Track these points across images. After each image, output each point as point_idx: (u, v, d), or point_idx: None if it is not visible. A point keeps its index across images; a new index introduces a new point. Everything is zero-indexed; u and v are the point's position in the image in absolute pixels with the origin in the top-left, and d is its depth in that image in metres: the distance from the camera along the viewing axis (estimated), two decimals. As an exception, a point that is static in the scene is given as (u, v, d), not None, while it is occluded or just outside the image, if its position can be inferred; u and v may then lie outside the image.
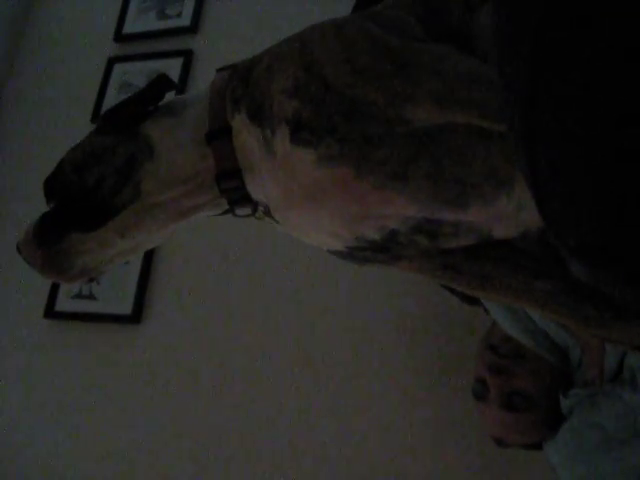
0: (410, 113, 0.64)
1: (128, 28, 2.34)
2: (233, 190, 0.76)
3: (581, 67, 0.38)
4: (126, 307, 1.91)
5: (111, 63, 2.29)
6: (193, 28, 2.22)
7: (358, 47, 0.67)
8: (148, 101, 0.78)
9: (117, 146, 0.76)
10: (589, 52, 0.37)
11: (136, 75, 2.23)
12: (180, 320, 1.86)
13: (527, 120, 0.42)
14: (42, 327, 2.02)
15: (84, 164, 0.76)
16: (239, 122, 0.73)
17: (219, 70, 0.80)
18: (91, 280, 0.82)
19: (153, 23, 2.31)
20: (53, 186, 0.78)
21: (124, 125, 0.77)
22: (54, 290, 2.02)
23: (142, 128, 0.77)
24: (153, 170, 0.75)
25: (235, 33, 2.16)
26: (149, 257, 1.95)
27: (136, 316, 1.89)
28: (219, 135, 0.74)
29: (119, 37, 2.34)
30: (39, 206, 2.20)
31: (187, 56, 2.17)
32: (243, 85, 0.73)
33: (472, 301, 1.27)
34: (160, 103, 0.81)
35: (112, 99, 2.23)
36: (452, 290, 1.20)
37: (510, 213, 0.69)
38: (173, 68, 2.17)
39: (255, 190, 0.76)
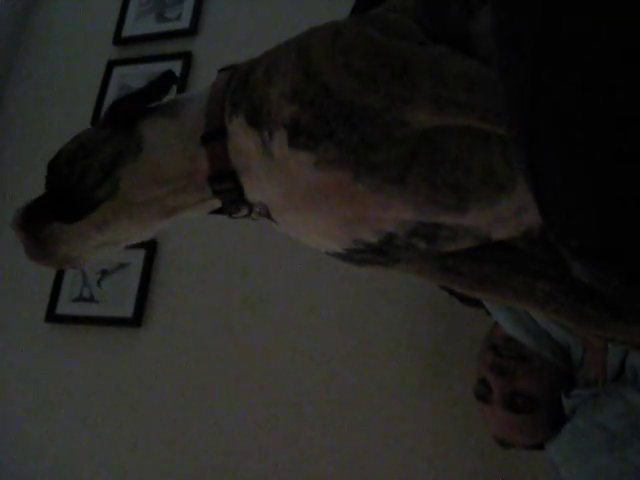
0: (409, 116, 0.64)
1: (127, 31, 2.35)
2: (227, 191, 0.76)
3: (580, 69, 0.38)
4: (127, 310, 1.91)
5: (110, 66, 2.29)
6: (192, 31, 2.22)
7: (356, 51, 0.67)
8: (153, 96, 0.79)
9: (107, 142, 0.77)
10: (588, 54, 0.37)
11: (136, 78, 2.23)
12: (181, 323, 1.86)
13: (527, 123, 0.42)
14: (43, 330, 2.02)
15: (75, 156, 0.78)
16: (237, 125, 0.73)
17: (221, 71, 0.80)
18: (74, 268, 0.84)
19: (152, 26, 2.31)
20: (48, 173, 0.80)
21: (123, 121, 0.78)
22: (55, 293, 2.02)
23: (139, 126, 0.78)
24: (135, 169, 0.75)
25: (234, 35, 2.16)
26: (150, 260, 1.95)
27: (137, 319, 1.89)
28: (215, 137, 0.74)
29: (118, 40, 2.34)
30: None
31: (186, 59, 2.17)
32: (242, 88, 0.73)
33: (472, 302, 1.27)
34: (163, 100, 0.81)
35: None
36: (451, 291, 1.20)
37: (509, 215, 0.69)
38: (173, 71, 2.17)
39: (252, 192, 0.76)
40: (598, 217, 0.40)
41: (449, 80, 0.64)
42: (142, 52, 2.28)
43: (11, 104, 2.45)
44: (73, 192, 0.76)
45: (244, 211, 0.80)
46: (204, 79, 2.12)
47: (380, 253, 0.76)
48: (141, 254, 1.96)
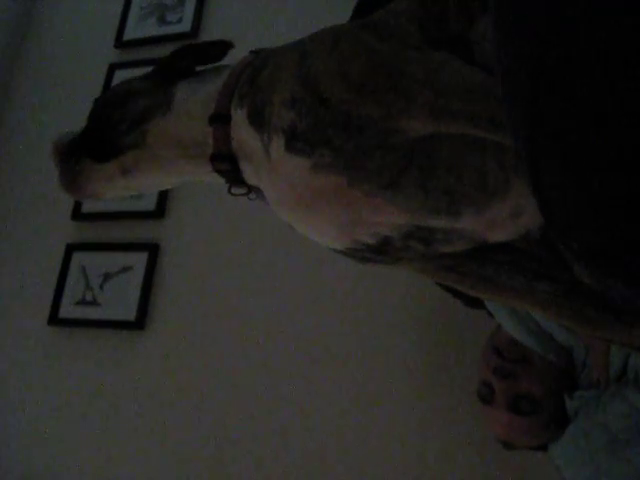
0: (405, 125, 0.65)
1: (129, 34, 2.35)
2: (226, 172, 0.81)
3: (581, 82, 0.39)
4: (130, 313, 1.91)
5: (112, 69, 2.30)
6: (193, 34, 2.23)
7: (354, 62, 0.68)
8: (205, 59, 0.87)
9: (145, 95, 0.83)
10: (589, 68, 0.38)
11: (137, 81, 2.24)
12: (184, 326, 1.86)
13: (530, 133, 0.43)
14: (46, 334, 2.02)
15: (115, 102, 0.84)
16: (239, 118, 0.77)
17: (251, 52, 0.86)
18: (95, 198, 0.91)
19: (154, 29, 2.32)
20: (91, 110, 0.86)
21: (171, 76, 0.85)
22: (58, 297, 2.03)
23: (175, 87, 0.84)
24: (161, 126, 0.81)
25: (235, 38, 2.16)
26: (152, 263, 1.95)
27: (140, 322, 1.89)
28: (220, 120, 0.78)
29: (120, 43, 2.35)
30: (44, 212, 2.20)
31: (188, 62, 2.18)
32: (250, 83, 0.77)
33: (474, 304, 1.27)
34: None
35: (113, 105, 2.24)
36: (455, 293, 1.20)
37: (504, 219, 0.70)
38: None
39: (251, 177, 0.80)
40: (599, 219, 0.41)
41: (445, 89, 0.65)
42: (143, 55, 2.28)
43: (13, 107, 2.46)
44: (105, 134, 0.82)
45: (243, 190, 0.84)
46: (205, 82, 2.12)
47: (380, 253, 0.78)
48: (144, 257, 1.96)
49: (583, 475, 1.02)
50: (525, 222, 0.70)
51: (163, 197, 2.03)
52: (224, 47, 0.88)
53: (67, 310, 2.01)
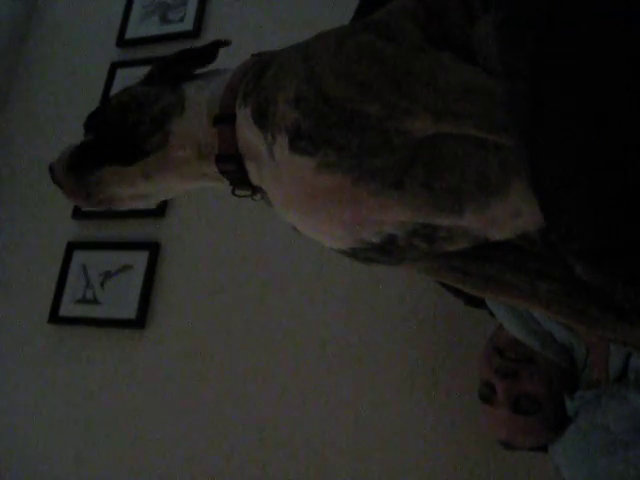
0: (409, 125, 0.66)
1: (131, 33, 2.35)
2: (232, 172, 0.81)
3: (581, 83, 0.39)
4: (130, 312, 1.91)
5: (114, 68, 2.30)
6: (195, 33, 2.22)
7: (358, 62, 0.69)
8: (201, 61, 0.87)
9: (159, 98, 0.83)
10: (589, 68, 0.38)
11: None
12: (184, 325, 1.86)
13: (531, 136, 0.43)
14: (46, 332, 2.02)
15: (128, 106, 0.83)
16: (243, 117, 0.77)
17: (253, 55, 0.86)
18: (108, 208, 0.90)
19: (156, 28, 2.32)
20: (96, 120, 0.85)
21: (172, 79, 0.85)
22: (58, 295, 2.03)
23: (184, 87, 0.84)
24: (182, 126, 0.81)
25: (237, 37, 2.17)
26: (153, 262, 1.95)
27: (140, 321, 1.89)
28: (225, 120, 0.79)
29: (122, 42, 2.35)
30: (42, 211, 2.20)
31: (189, 60, 2.18)
32: (255, 83, 0.77)
33: (476, 303, 1.27)
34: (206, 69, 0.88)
35: (115, 104, 2.24)
36: (456, 292, 1.20)
37: (504, 219, 0.70)
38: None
39: (256, 178, 0.81)
40: (599, 219, 0.41)
41: (447, 89, 0.65)
42: (145, 54, 2.28)
43: (14, 105, 2.46)
44: (127, 138, 0.82)
45: (247, 192, 0.84)
46: (207, 81, 2.12)
47: (384, 252, 0.79)
48: (144, 256, 1.96)
49: (583, 475, 1.02)
50: (521, 224, 0.71)
51: (164, 196, 2.03)
52: (218, 45, 0.89)
53: (67, 308, 2.01)
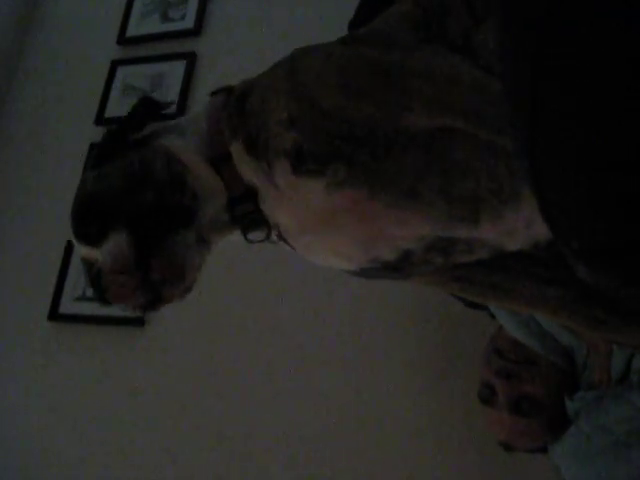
0: (407, 121, 0.64)
1: (131, 31, 2.35)
2: (248, 214, 0.75)
3: (581, 84, 0.39)
4: (130, 310, 1.91)
5: (114, 66, 2.29)
6: (196, 31, 2.22)
7: (348, 69, 0.67)
8: (140, 122, 0.78)
9: (152, 161, 0.74)
10: (588, 69, 0.39)
11: (139, 78, 2.23)
12: (184, 322, 1.86)
13: (530, 133, 0.43)
14: (46, 329, 2.02)
15: (129, 188, 0.73)
16: (237, 150, 0.73)
17: (213, 93, 0.80)
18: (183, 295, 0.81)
19: (156, 26, 2.31)
20: (106, 218, 0.74)
21: (136, 144, 0.76)
22: (58, 292, 2.02)
23: (158, 143, 0.76)
24: (197, 178, 0.74)
25: (238, 36, 2.17)
26: (153, 259, 1.95)
27: (140, 318, 1.89)
28: (223, 160, 0.74)
29: (122, 40, 2.34)
30: (42, 208, 2.20)
31: (190, 59, 2.17)
32: (238, 114, 0.73)
33: (476, 305, 1.27)
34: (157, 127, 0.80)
35: (116, 102, 2.24)
36: (456, 295, 1.20)
37: (519, 228, 0.69)
38: (176, 71, 2.17)
39: (265, 213, 0.76)
40: (599, 219, 0.41)
41: (442, 82, 0.64)
42: (146, 52, 2.28)
43: (15, 103, 2.46)
44: (165, 207, 0.73)
45: (261, 234, 0.79)
46: (208, 79, 2.12)
47: (395, 270, 0.76)
48: (144, 254, 1.96)
49: (583, 477, 1.02)
50: (534, 232, 0.69)
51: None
52: (149, 105, 0.80)
53: (67, 306, 2.01)
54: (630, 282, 0.42)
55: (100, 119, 2.23)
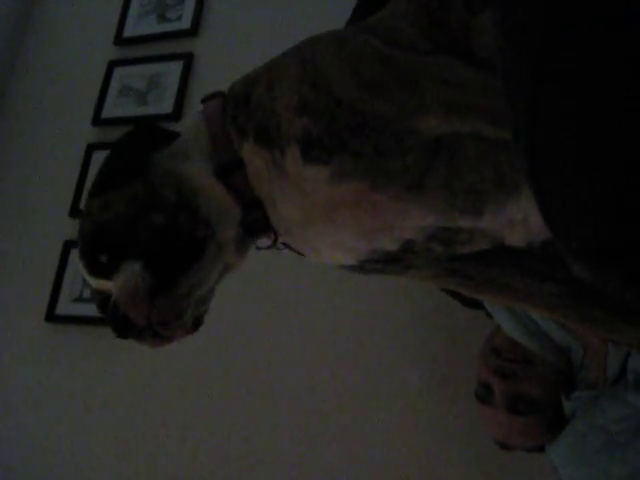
0: (420, 123, 0.64)
1: (128, 31, 2.35)
2: (257, 222, 0.74)
3: (581, 83, 0.39)
4: (127, 310, 1.91)
5: (111, 66, 2.29)
6: (193, 31, 2.22)
7: (363, 61, 0.66)
8: (141, 153, 0.75)
9: (159, 187, 0.72)
10: (588, 69, 0.39)
11: (136, 78, 2.23)
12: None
13: (529, 134, 0.43)
14: (43, 331, 2.02)
15: (137, 216, 0.71)
16: (249, 151, 0.71)
17: (204, 100, 0.77)
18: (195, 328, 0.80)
19: (153, 26, 2.31)
20: (116, 249, 0.72)
21: (138, 168, 0.73)
22: (55, 294, 2.02)
23: (155, 161, 0.73)
24: (208, 201, 0.72)
25: (235, 36, 2.17)
26: (150, 260, 1.95)
27: (137, 319, 1.88)
28: (232, 168, 0.72)
29: (119, 40, 2.34)
30: (39, 209, 2.20)
31: (187, 59, 2.17)
32: (245, 111, 0.71)
33: (473, 304, 1.27)
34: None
35: (112, 102, 2.23)
36: (453, 293, 1.20)
37: (519, 221, 0.69)
38: (173, 71, 2.17)
39: (273, 216, 0.75)
40: (598, 218, 0.41)
41: (458, 84, 0.64)
42: (143, 53, 2.28)
43: (12, 103, 2.45)
44: (177, 236, 0.70)
45: (268, 241, 0.78)
46: (205, 80, 2.12)
47: (394, 261, 0.75)
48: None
49: (580, 477, 1.02)
50: (531, 228, 0.69)
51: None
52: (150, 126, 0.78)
53: (64, 307, 2.00)
54: (630, 282, 0.42)
55: (97, 119, 2.23)
